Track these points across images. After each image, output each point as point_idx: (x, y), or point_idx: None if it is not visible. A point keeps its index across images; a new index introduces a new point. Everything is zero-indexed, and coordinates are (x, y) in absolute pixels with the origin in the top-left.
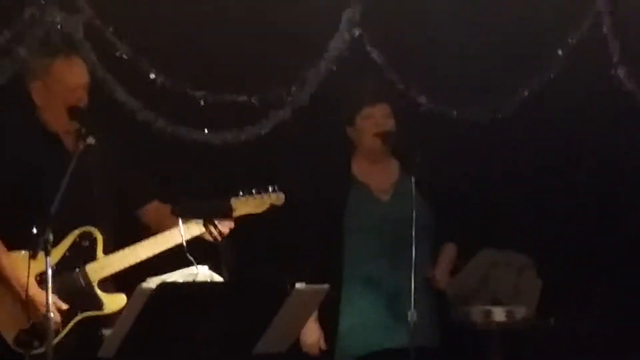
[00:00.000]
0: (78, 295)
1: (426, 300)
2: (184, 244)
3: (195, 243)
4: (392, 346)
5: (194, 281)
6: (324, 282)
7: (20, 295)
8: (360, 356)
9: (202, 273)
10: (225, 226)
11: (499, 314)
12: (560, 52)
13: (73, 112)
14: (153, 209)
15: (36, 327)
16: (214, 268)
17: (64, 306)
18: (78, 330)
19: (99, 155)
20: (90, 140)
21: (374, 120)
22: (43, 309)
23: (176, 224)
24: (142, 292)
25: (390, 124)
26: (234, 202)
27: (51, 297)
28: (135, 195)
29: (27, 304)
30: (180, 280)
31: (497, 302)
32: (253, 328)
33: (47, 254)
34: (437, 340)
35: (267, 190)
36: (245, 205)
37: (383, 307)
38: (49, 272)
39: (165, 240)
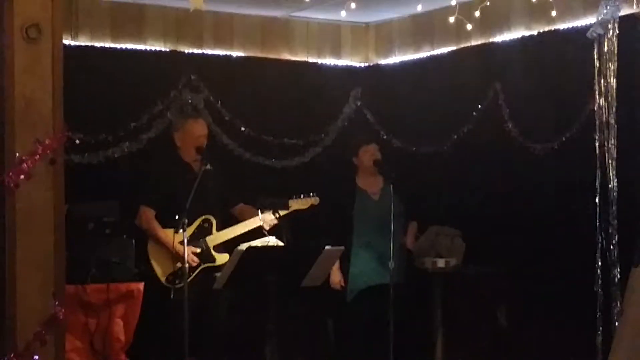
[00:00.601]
0: (202, 254)
1: (399, 255)
2: (262, 224)
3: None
4: (380, 282)
5: (267, 245)
6: (341, 246)
7: (170, 251)
8: (361, 289)
9: (272, 241)
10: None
11: (440, 263)
12: (474, 113)
13: (199, 150)
14: (239, 208)
15: (178, 272)
16: (278, 238)
17: (196, 259)
18: (202, 275)
19: (212, 176)
20: (209, 167)
21: (370, 153)
22: (188, 259)
23: (254, 216)
24: (238, 251)
25: (378, 155)
26: (290, 201)
27: (187, 255)
28: (230, 200)
29: (174, 257)
30: (259, 245)
31: (439, 256)
32: (301, 271)
33: (184, 230)
34: (404, 278)
35: (308, 195)
36: (296, 203)
37: (375, 260)
38: (185, 241)
39: (251, 223)
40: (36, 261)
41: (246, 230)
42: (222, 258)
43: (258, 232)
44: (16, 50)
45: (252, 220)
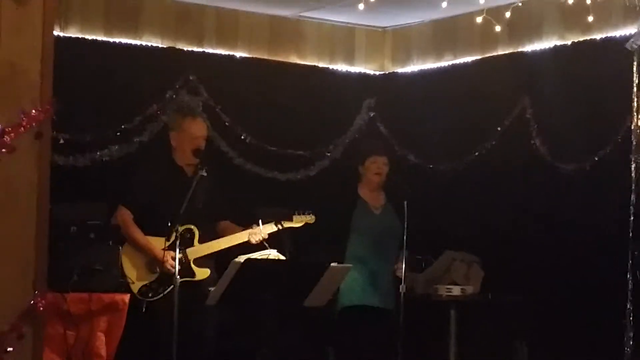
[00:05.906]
0: (180, 267)
1: (390, 279)
2: (262, 237)
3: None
4: (367, 304)
5: (268, 258)
6: (334, 260)
7: (145, 260)
8: (347, 306)
9: (273, 254)
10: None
11: (456, 291)
12: (499, 128)
13: (196, 152)
14: (223, 225)
15: (152, 285)
16: (280, 252)
17: (173, 265)
18: (190, 288)
19: (205, 183)
20: (204, 172)
21: (377, 165)
22: (167, 264)
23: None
24: (235, 264)
25: (385, 170)
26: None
27: (167, 260)
28: (219, 213)
29: (150, 266)
30: (259, 258)
31: (454, 283)
32: (303, 289)
33: (176, 238)
34: (393, 304)
35: (303, 213)
36: (291, 222)
37: (366, 278)
38: (177, 251)
39: (236, 239)
40: (16, 245)
41: (230, 245)
42: (201, 274)
43: (243, 249)
44: (2, 10)
45: (236, 235)
